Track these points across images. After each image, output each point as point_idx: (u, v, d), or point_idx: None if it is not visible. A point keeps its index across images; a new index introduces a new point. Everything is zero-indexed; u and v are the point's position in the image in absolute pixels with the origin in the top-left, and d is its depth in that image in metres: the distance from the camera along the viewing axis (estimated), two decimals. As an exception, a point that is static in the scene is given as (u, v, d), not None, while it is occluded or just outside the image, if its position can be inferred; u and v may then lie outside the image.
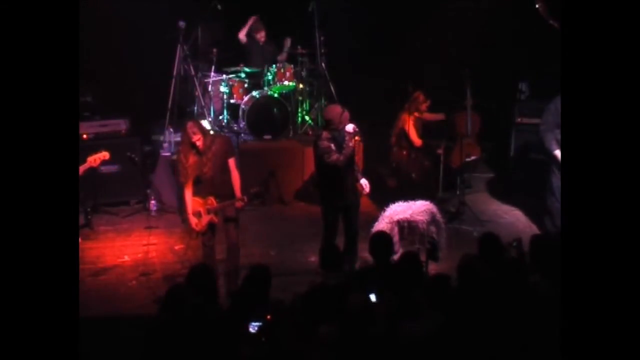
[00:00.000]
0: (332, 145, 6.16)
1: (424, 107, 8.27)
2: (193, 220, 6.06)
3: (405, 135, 8.28)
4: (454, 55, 9.46)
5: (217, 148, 6.04)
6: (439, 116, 8.58)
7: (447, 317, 4.02)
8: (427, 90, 8.29)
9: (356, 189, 6.45)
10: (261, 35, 9.62)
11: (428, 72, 9.40)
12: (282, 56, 9.75)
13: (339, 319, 3.97)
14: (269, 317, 4.02)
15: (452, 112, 8.46)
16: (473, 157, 8.22)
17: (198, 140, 5.92)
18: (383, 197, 7.61)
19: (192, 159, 6.01)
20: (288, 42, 9.78)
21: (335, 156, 6.12)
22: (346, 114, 6.24)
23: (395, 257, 5.71)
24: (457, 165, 8.14)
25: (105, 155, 6.41)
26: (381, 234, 5.56)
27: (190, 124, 6.06)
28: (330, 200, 6.41)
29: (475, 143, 8.34)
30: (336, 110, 6.31)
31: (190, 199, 6.08)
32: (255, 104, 9.10)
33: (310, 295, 4.46)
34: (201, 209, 6.08)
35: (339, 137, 6.20)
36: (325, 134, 6.24)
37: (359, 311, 3.93)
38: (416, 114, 8.28)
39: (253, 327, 3.98)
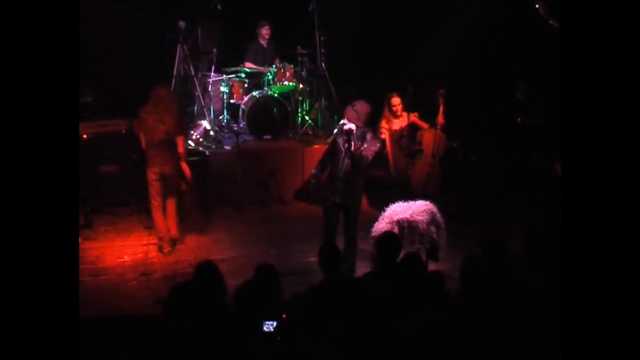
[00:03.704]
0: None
1: (396, 109, 8.16)
2: None
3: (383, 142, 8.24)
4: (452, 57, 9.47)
5: None
6: (424, 125, 8.36)
7: (443, 315, 4.04)
8: (429, 91, 8.26)
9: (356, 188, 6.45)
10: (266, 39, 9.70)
11: (428, 72, 9.40)
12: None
13: (348, 316, 3.98)
14: (284, 315, 4.01)
15: (422, 130, 8.29)
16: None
17: None
18: (382, 198, 7.62)
19: None
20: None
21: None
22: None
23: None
24: (416, 184, 8.07)
25: None
26: (390, 234, 5.55)
27: None
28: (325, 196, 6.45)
29: (437, 164, 8.25)
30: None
31: None
32: (255, 104, 9.11)
33: (311, 294, 4.47)
34: None
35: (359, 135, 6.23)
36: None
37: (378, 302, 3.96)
38: (391, 118, 8.22)
39: (268, 326, 3.96)
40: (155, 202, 7.18)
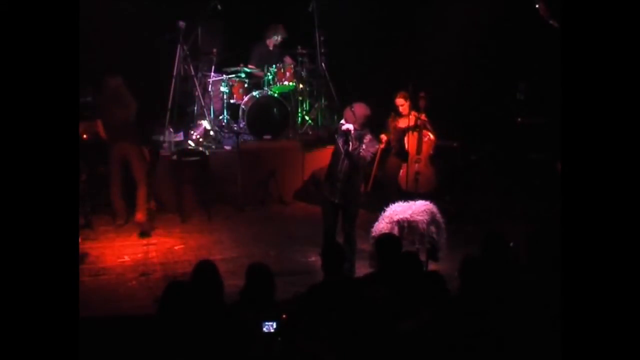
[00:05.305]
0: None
1: (400, 109, 8.14)
2: None
3: (389, 142, 8.23)
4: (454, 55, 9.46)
5: None
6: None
7: (442, 315, 4.04)
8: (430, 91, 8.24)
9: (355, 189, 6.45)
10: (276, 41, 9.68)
11: (428, 72, 9.40)
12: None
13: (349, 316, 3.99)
14: (284, 316, 4.00)
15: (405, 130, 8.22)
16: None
17: None
18: (382, 198, 7.61)
19: None
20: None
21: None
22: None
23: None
24: (404, 183, 8.05)
25: None
26: (389, 236, 5.54)
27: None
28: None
29: (425, 162, 8.19)
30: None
31: None
32: (255, 104, 9.11)
33: (311, 294, 4.47)
34: None
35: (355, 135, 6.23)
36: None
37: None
38: (397, 116, 8.23)
39: (267, 327, 3.95)
40: (115, 181, 7.76)
